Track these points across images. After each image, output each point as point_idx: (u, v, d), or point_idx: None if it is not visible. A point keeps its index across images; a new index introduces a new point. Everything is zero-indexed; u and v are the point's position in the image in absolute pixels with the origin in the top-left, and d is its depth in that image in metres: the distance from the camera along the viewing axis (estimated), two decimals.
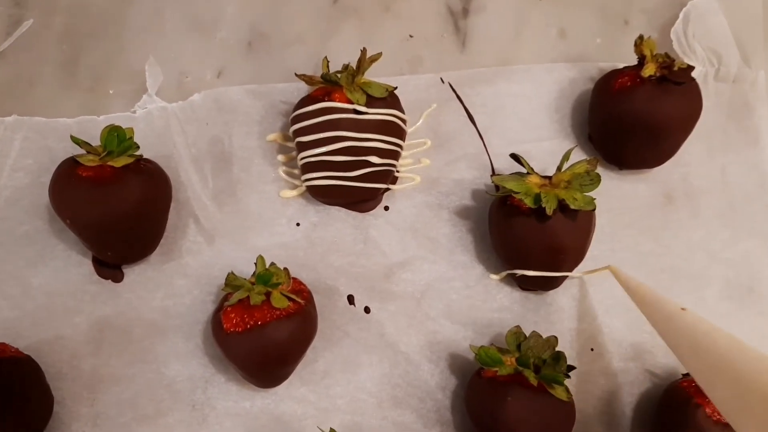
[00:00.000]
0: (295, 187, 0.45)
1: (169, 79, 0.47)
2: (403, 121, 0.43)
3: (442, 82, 0.48)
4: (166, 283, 0.43)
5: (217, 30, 0.48)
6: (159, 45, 0.48)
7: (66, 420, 0.41)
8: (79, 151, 0.40)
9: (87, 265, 0.43)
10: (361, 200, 0.45)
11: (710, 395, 0.28)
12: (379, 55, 0.42)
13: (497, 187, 0.42)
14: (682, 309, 0.32)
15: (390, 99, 0.42)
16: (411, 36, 0.49)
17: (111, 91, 0.47)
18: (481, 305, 0.44)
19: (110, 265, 0.43)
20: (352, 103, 0.41)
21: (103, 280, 0.43)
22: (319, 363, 0.42)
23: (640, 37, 0.44)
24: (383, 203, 0.46)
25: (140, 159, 0.41)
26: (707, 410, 0.38)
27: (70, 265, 0.43)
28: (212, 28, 0.48)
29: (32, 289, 0.42)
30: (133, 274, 0.43)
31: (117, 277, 0.43)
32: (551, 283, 0.43)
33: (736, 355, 0.27)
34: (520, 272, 0.42)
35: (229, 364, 0.40)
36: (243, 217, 0.45)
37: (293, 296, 0.38)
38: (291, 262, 0.42)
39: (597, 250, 0.44)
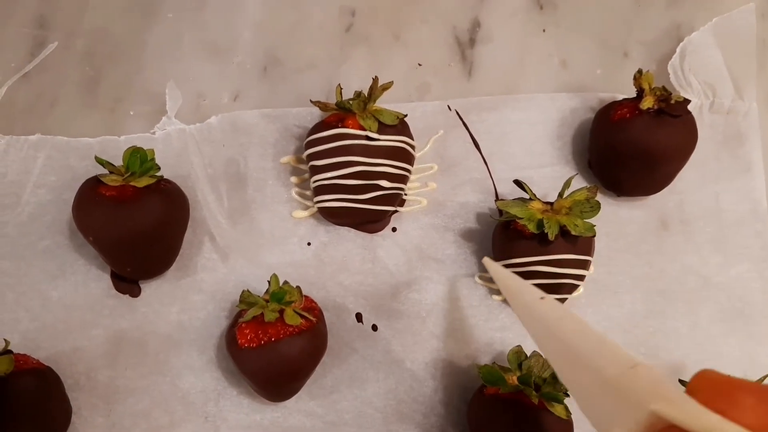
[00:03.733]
0: (306, 207, 0.47)
1: (186, 101, 0.49)
2: (412, 147, 0.45)
3: (449, 109, 0.50)
4: (181, 298, 0.45)
5: (233, 54, 0.50)
6: (177, 68, 0.50)
7: (82, 430, 0.42)
8: (101, 170, 0.42)
9: (105, 280, 0.45)
10: (370, 221, 0.47)
11: (561, 379, 0.29)
12: (391, 83, 0.44)
13: (501, 212, 0.44)
14: (541, 298, 0.32)
15: (400, 126, 0.44)
16: (420, 64, 0.51)
17: (131, 112, 0.48)
18: (484, 324, 0.46)
19: (128, 280, 0.44)
20: (364, 129, 0.43)
21: (120, 294, 0.44)
22: (327, 378, 0.44)
23: (639, 71, 0.46)
24: (391, 225, 0.47)
25: (161, 179, 0.42)
26: None
27: (89, 280, 0.44)
28: (229, 53, 0.50)
29: (52, 302, 0.44)
30: (149, 289, 0.45)
31: (134, 292, 0.45)
32: None
33: (578, 340, 0.27)
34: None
35: (242, 378, 0.42)
36: (256, 235, 0.46)
37: (305, 314, 0.40)
38: (302, 280, 0.44)
39: (595, 273, 0.46)
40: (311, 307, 0.42)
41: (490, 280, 0.46)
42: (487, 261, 0.41)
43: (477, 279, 0.47)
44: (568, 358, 0.28)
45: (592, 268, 0.45)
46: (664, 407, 0.21)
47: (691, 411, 0.20)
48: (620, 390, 0.23)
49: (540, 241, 0.42)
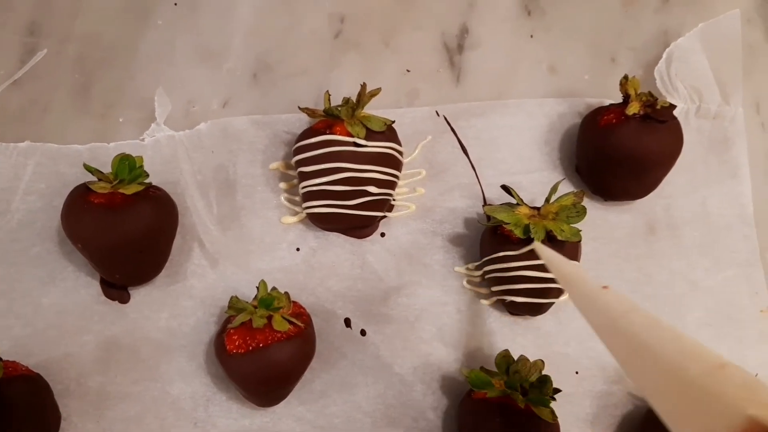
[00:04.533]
0: (295, 213, 0.47)
1: (176, 107, 0.49)
2: (400, 153, 0.45)
3: (438, 114, 0.50)
4: (171, 304, 0.45)
5: (224, 61, 0.51)
6: (168, 74, 0.50)
7: None
8: (91, 177, 0.42)
9: (95, 287, 0.45)
10: (359, 227, 0.47)
11: (626, 373, 0.28)
12: (378, 90, 0.44)
13: (488, 217, 0.44)
14: (604, 287, 0.30)
15: (388, 132, 0.44)
16: (408, 70, 0.51)
17: (121, 119, 0.49)
18: (472, 329, 0.46)
19: (118, 286, 0.44)
20: (352, 136, 0.43)
21: (110, 300, 0.45)
22: (316, 383, 0.44)
23: (625, 77, 0.46)
24: (380, 230, 0.48)
25: (149, 186, 0.43)
26: None
27: (79, 286, 0.45)
28: (219, 59, 0.51)
29: (43, 309, 0.44)
30: (139, 295, 0.45)
31: (124, 298, 0.45)
32: (539, 309, 0.45)
33: (651, 335, 0.26)
34: (509, 298, 0.44)
35: (231, 384, 0.42)
36: (246, 241, 0.47)
37: (293, 319, 0.40)
38: (291, 286, 0.44)
39: None
40: (300, 313, 0.42)
41: (478, 285, 0.47)
42: (539, 246, 0.38)
43: (465, 284, 0.47)
44: (639, 353, 0.26)
45: None
46: (764, 412, 0.19)
47: None
48: (707, 391, 0.22)
49: (526, 246, 0.42)
